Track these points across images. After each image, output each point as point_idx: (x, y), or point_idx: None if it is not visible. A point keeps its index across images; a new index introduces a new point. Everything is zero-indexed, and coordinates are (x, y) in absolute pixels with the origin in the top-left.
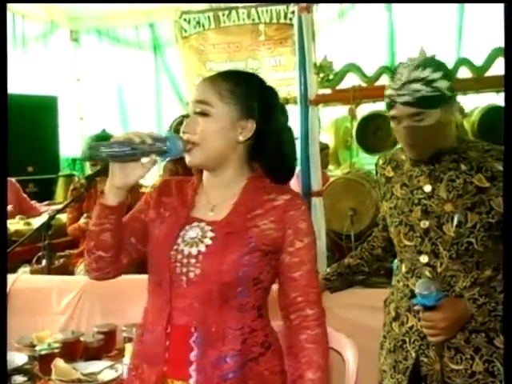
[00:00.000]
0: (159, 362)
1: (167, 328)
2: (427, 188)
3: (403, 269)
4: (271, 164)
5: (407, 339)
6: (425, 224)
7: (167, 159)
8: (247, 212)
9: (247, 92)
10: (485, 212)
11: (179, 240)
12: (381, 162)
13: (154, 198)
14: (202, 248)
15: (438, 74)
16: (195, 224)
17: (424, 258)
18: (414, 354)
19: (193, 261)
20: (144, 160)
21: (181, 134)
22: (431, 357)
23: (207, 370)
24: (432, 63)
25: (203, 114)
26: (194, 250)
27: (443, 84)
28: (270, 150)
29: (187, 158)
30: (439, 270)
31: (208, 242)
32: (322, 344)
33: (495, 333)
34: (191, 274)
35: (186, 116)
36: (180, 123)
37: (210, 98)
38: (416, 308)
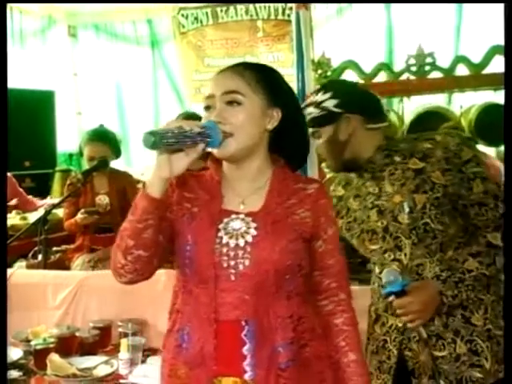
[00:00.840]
0: (209, 362)
1: (214, 326)
2: (375, 190)
3: (376, 270)
4: (294, 152)
5: (388, 338)
6: (383, 223)
7: (208, 149)
8: (282, 202)
9: (271, 81)
10: (429, 189)
11: (221, 233)
12: (332, 187)
13: (176, 194)
14: (249, 238)
15: (326, 96)
16: (234, 216)
17: (390, 255)
18: (396, 352)
19: (241, 252)
20: (188, 150)
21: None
22: (415, 349)
23: (264, 362)
24: (325, 86)
25: (235, 103)
26: (241, 242)
27: (330, 103)
28: (295, 138)
29: (219, 149)
30: (405, 261)
31: (253, 232)
32: (356, 326)
33: (471, 312)
34: (240, 266)
35: (204, 110)
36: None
37: (241, 87)
38: (390, 299)
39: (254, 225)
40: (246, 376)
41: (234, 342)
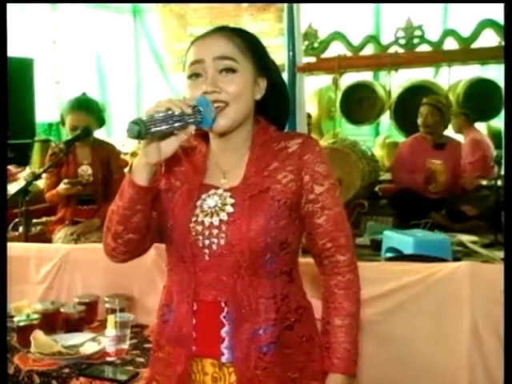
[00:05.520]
0: (188, 342)
1: (193, 305)
2: None
3: None
4: (279, 116)
5: None
6: None
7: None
8: (263, 169)
9: (259, 49)
10: None
11: (197, 211)
12: None
13: (164, 167)
14: (224, 217)
15: None
16: (212, 192)
17: None
18: None
19: (215, 231)
20: (179, 132)
21: (205, 96)
22: None
23: (243, 345)
24: None
25: (230, 70)
26: (215, 220)
27: None
28: (280, 105)
29: (217, 122)
30: None
31: (229, 209)
32: (352, 290)
33: None
34: (214, 246)
35: (188, 79)
36: None
37: (234, 53)
38: None
39: (231, 201)
40: (223, 359)
41: (213, 323)
